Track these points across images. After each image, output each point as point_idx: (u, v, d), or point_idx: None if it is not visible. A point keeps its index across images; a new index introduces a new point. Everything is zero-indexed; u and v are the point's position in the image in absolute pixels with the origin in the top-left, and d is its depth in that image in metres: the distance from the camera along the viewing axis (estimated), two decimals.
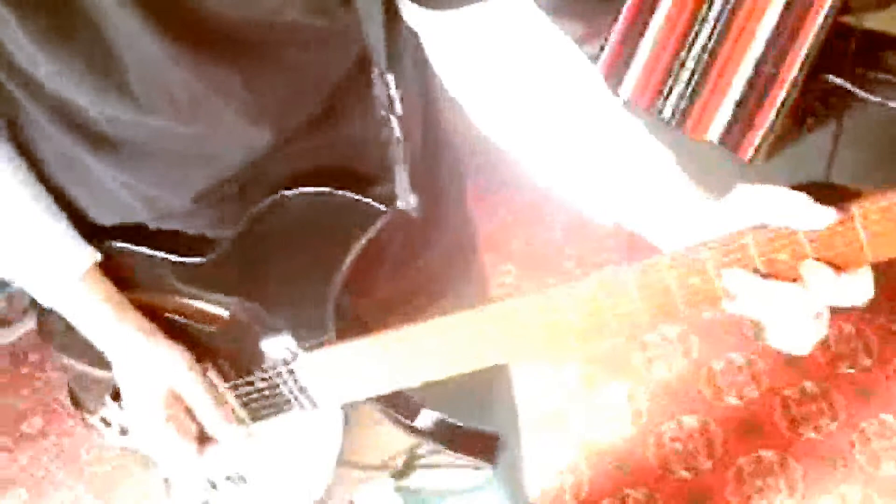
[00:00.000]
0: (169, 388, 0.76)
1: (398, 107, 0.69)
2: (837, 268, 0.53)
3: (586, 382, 1.95)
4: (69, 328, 0.77)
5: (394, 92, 0.69)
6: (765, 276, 0.54)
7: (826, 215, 0.52)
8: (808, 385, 1.85)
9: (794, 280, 0.54)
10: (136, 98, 0.64)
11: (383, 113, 0.70)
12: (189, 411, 0.78)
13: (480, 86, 0.70)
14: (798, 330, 0.56)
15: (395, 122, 0.70)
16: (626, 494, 1.72)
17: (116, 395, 0.83)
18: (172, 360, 0.76)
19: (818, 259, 0.53)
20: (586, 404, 1.91)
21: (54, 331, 0.83)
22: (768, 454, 1.74)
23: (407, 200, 0.71)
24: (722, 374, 1.91)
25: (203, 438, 0.80)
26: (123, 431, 0.87)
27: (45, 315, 0.82)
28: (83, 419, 0.90)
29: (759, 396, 1.85)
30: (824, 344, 1.91)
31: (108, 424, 0.87)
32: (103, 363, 0.79)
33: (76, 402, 0.90)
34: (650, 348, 1.99)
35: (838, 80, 2.28)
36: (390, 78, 0.69)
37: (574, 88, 0.68)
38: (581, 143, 0.67)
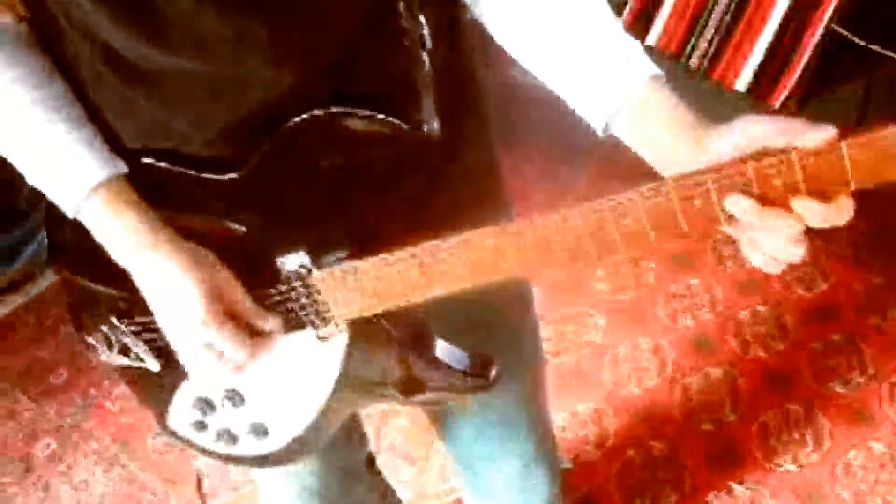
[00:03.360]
0: (213, 286, 0.76)
1: (429, 42, 0.73)
2: (823, 196, 0.59)
3: (611, 334, 1.95)
4: (77, 245, 0.78)
5: (425, 30, 0.73)
6: (761, 200, 0.60)
7: (826, 131, 0.58)
8: (836, 338, 1.84)
9: (784, 205, 0.60)
10: (167, 41, 0.67)
11: (411, 46, 0.73)
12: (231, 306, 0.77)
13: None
14: (777, 252, 0.62)
15: (425, 56, 0.73)
16: (650, 446, 1.72)
17: (122, 315, 0.85)
18: (210, 258, 0.77)
19: (807, 185, 0.59)
20: (612, 356, 1.91)
21: (62, 247, 0.84)
22: (795, 407, 1.73)
23: (431, 126, 0.73)
24: (748, 326, 1.89)
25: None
26: (124, 351, 0.88)
27: (52, 233, 0.84)
28: (83, 339, 0.91)
29: (786, 349, 1.84)
30: (854, 297, 1.89)
31: (109, 345, 0.88)
32: (110, 280, 0.80)
33: (77, 322, 0.91)
34: (676, 300, 1.98)
35: (869, 34, 2.23)
36: (421, 18, 0.72)
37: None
38: (574, 45, 0.73)
